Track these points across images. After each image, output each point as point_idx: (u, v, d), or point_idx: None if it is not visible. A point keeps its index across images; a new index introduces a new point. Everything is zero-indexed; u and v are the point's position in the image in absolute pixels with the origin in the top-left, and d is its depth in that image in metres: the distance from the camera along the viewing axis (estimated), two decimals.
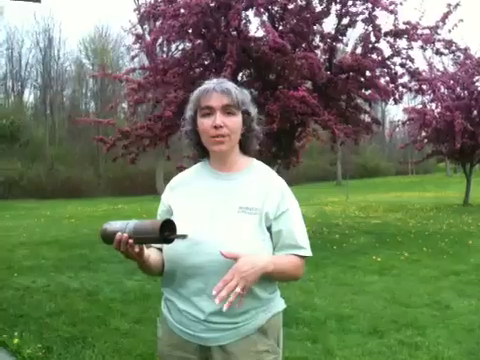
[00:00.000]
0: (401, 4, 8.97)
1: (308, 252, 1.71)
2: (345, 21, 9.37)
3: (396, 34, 9.13)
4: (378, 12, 8.94)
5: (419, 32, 9.22)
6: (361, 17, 9.14)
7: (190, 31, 8.92)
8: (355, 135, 10.17)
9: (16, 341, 3.83)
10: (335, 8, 9.19)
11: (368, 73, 9.31)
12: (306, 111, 8.48)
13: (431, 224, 12.11)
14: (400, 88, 9.85)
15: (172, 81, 9.24)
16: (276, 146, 9.77)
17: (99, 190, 31.26)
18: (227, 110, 1.64)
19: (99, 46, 40.92)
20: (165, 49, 20.19)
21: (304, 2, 8.87)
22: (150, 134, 9.92)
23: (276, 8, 9.15)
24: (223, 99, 1.63)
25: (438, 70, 16.90)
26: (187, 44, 9.81)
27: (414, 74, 9.73)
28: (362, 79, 9.45)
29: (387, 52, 9.46)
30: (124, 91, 13.06)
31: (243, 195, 1.68)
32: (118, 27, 54.96)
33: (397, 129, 22.62)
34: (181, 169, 2.01)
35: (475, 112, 16.76)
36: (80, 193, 29.21)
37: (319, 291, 5.64)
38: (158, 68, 9.50)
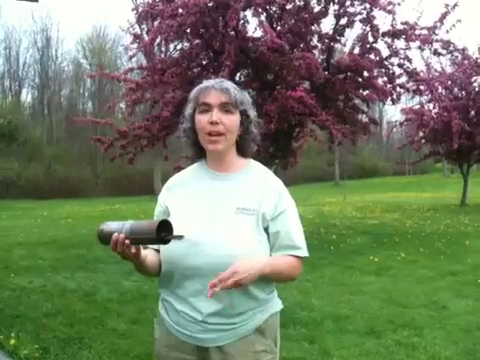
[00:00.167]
0: (399, 4, 8.99)
1: (305, 253, 1.71)
2: (343, 21, 9.37)
3: (394, 34, 9.14)
4: (376, 12, 8.95)
5: (417, 32, 9.23)
6: (359, 17, 9.15)
7: (188, 31, 8.91)
8: (353, 135, 10.18)
9: (13, 342, 3.82)
10: (333, 8, 9.20)
11: (366, 73, 9.31)
12: (304, 111, 8.48)
13: (428, 224, 12.13)
14: (398, 88, 9.86)
15: (170, 81, 9.22)
16: (274, 146, 9.77)
17: (97, 190, 31.24)
18: (225, 108, 1.64)
19: (97, 46, 40.87)
20: (163, 49, 20.22)
21: (302, 2, 8.88)
22: (148, 134, 9.91)
23: (274, 8, 9.15)
24: (221, 97, 1.63)
25: (436, 70, 16.92)
26: (185, 44, 9.80)
27: (412, 74, 9.74)
28: (360, 79, 9.46)
29: (385, 52, 9.48)
30: (122, 91, 13.04)
31: (240, 196, 1.67)
32: (116, 27, 54.95)
33: (395, 129, 22.70)
34: (179, 169, 2.00)
35: (472, 112, 16.80)
36: (78, 193, 29.18)
37: (316, 291, 5.64)
38: (156, 68, 9.49)
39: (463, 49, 11.27)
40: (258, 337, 1.68)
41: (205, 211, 1.67)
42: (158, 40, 9.54)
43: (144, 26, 11.52)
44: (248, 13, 8.88)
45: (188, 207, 1.70)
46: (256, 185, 1.70)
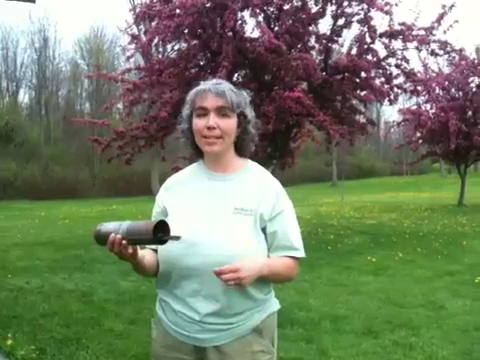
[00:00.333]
0: (396, 5, 9.01)
1: (302, 253, 1.71)
2: (340, 22, 9.39)
3: (391, 35, 9.15)
4: (373, 13, 8.97)
5: (414, 33, 9.24)
6: (356, 18, 9.16)
7: (186, 31, 8.91)
8: (350, 136, 10.19)
9: (10, 342, 3.81)
10: (330, 9, 9.21)
11: (363, 74, 9.33)
12: (301, 112, 8.49)
13: (426, 224, 12.15)
14: (395, 89, 9.87)
15: (167, 81, 9.22)
16: (272, 147, 9.78)
17: (94, 191, 31.21)
18: (221, 112, 1.63)
19: (94, 46, 40.85)
20: (161, 49, 20.19)
21: (300, 3, 8.88)
22: (145, 135, 9.91)
23: (272, 9, 9.16)
24: (218, 101, 1.63)
25: (433, 71, 16.96)
26: (183, 44, 9.81)
27: (409, 75, 9.75)
28: (357, 80, 9.47)
29: (382, 53, 9.50)
30: (119, 92, 13.04)
31: (238, 196, 1.68)
32: (114, 27, 54.97)
33: (392, 130, 22.65)
34: (176, 170, 2.00)
35: (470, 113, 16.84)
36: (75, 194, 29.13)
37: (314, 292, 5.64)
38: (154, 68, 9.49)
39: (460, 50, 11.26)
40: (256, 337, 1.68)
41: (203, 211, 1.67)
42: (156, 41, 9.53)
43: (142, 27, 11.49)
44: (246, 14, 8.91)
45: (186, 207, 1.70)
46: (254, 185, 1.70)
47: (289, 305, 4.84)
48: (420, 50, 9.81)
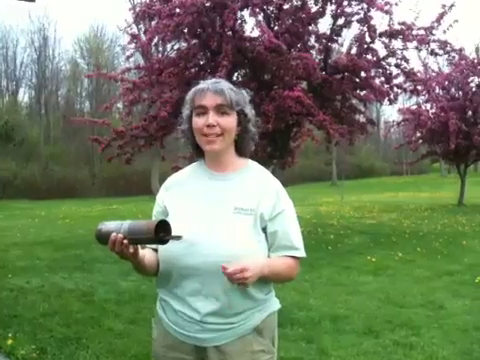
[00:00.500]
0: (396, 5, 9.01)
1: (302, 253, 1.72)
2: (340, 21, 9.39)
3: (391, 35, 9.15)
4: (373, 12, 8.97)
5: (414, 33, 9.24)
6: (356, 17, 9.16)
7: (185, 31, 8.91)
8: (350, 135, 10.19)
9: (10, 342, 3.81)
10: (330, 8, 9.21)
11: (363, 74, 9.32)
12: (301, 111, 8.49)
13: (425, 224, 12.15)
14: (395, 89, 9.87)
15: (167, 81, 9.22)
16: (271, 146, 9.78)
17: (94, 190, 31.21)
18: (220, 110, 1.64)
19: (94, 46, 40.81)
20: (160, 49, 20.21)
21: (299, 2, 8.88)
22: (145, 134, 9.90)
23: (271, 8, 9.16)
24: (216, 99, 1.63)
25: (433, 71, 16.97)
26: (182, 44, 9.80)
27: (409, 75, 9.75)
28: (357, 79, 9.47)
29: (382, 52, 9.50)
30: (119, 91, 13.04)
31: (238, 195, 1.68)
32: (113, 26, 55.04)
33: (392, 129, 22.64)
34: (176, 169, 2.00)
35: (469, 112, 16.85)
36: (75, 193, 29.13)
37: (314, 291, 5.64)
38: (153, 68, 9.49)
39: (460, 49, 11.26)
40: (256, 337, 1.69)
41: (203, 211, 1.67)
42: (155, 40, 9.54)
43: (141, 26, 11.49)
44: (245, 13, 8.91)
45: (186, 207, 1.70)
46: (254, 185, 1.70)
47: (289, 305, 4.84)
48: (420, 50, 9.82)
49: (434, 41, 9.62)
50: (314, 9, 9.11)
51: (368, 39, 9.23)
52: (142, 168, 29.90)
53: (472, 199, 18.76)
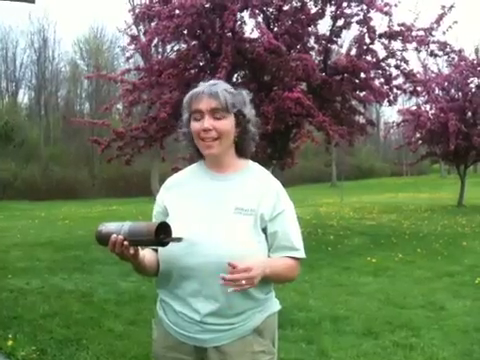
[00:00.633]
0: (396, 6, 9.00)
1: (302, 254, 1.72)
2: (340, 23, 9.38)
3: (391, 36, 9.15)
4: (373, 14, 8.97)
5: (414, 34, 9.24)
6: (356, 19, 9.16)
7: (185, 32, 8.91)
8: (349, 136, 10.18)
9: (10, 343, 3.81)
10: (330, 10, 9.21)
11: (363, 75, 9.33)
12: (301, 112, 8.49)
13: (425, 225, 12.15)
14: (394, 90, 9.87)
15: (167, 82, 9.22)
16: (271, 147, 9.78)
17: (94, 191, 31.19)
18: (216, 114, 1.64)
19: (94, 47, 40.81)
20: (160, 50, 20.21)
21: (299, 3, 8.89)
22: (145, 135, 9.91)
23: (271, 9, 9.17)
24: (211, 102, 1.63)
25: (432, 72, 16.97)
26: (182, 45, 9.81)
27: (408, 76, 9.75)
28: (357, 81, 9.47)
29: (382, 54, 9.49)
30: (119, 92, 13.05)
31: (239, 196, 1.68)
32: (113, 28, 54.91)
33: (392, 130, 22.62)
34: (176, 170, 2.01)
35: (469, 113, 16.85)
36: (75, 194, 29.12)
37: (314, 292, 5.64)
38: (153, 69, 9.49)
39: (460, 50, 11.28)
40: (256, 338, 1.69)
41: (204, 211, 1.67)
42: (155, 41, 9.56)
43: (141, 27, 11.50)
44: (245, 14, 8.91)
45: (187, 207, 1.71)
46: (255, 185, 1.70)
47: (289, 306, 4.83)
48: (419, 51, 9.82)
49: (434, 42, 9.62)
50: (314, 10, 9.11)
51: (368, 40, 9.23)
52: (142, 169, 29.89)
53: (472, 200, 18.76)
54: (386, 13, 8.85)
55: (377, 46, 9.39)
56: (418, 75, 10.92)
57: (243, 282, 1.48)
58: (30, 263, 7.47)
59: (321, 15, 9.17)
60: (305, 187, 35.69)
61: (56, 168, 32.15)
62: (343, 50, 10.22)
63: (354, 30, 9.40)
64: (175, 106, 8.46)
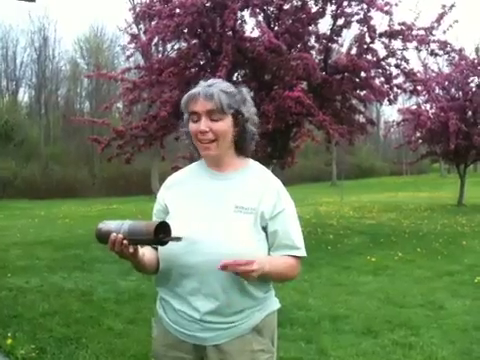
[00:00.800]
0: (396, 5, 8.99)
1: (303, 253, 1.72)
2: (340, 22, 9.37)
3: (391, 35, 9.14)
4: (373, 13, 8.96)
5: (414, 33, 9.23)
6: (356, 18, 9.15)
7: (185, 31, 8.90)
8: (350, 135, 10.18)
9: (9, 342, 3.81)
10: (330, 9, 9.20)
11: (363, 74, 9.32)
12: (301, 111, 8.49)
13: (425, 224, 12.15)
14: (395, 89, 9.86)
15: (167, 81, 9.22)
16: (271, 146, 9.77)
17: (94, 190, 31.18)
18: (212, 115, 1.63)
19: (94, 45, 40.79)
20: (160, 49, 20.20)
21: (299, 3, 8.89)
22: (145, 134, 9.90)
23: (272, 8, 9.16)
24: (206, 105, 1.62)
25: (433, 71, 16.97)
26: (182, 44, 9.80)
27: (409, 75, 9.75)
28: (357, 80, 9.47)
29: (382, 53, 9.48)
30: (119, 91, 13.04)
31: (239, 194, 1.68)
32: (113, 26, 55.00)
33: (392, 130, 22.62)
34: (176, 169, 2.01)
35: (469, 113, 16.85)
36: (75, 193, 29.12)
37: (313, 291, 5.65)
38: (153, 68, 9.48)
39: (460, 50, 11.29)
40: (255, 336, 1.69)
41: (204, 210, 1.68)
42: (155, 40, 9.54)
43: (141, 26, 11.49)
44: (245, 13, 8.90)
45: (187, 206, 1.71)
46: (255, 184, 1.71)
47: (289, 305, 4.84)
48: (420, 50, 9.80)
49: (434, 41, 9.61)
50: (314, 9, 9.11)
51: (368, 39, 9.22)
52: (142, 168, 29.89)
53: (472, 199, 18.75)
54: (386, 12, 8.84)
55: (377, 45, 9.40)
56: (418, 74, 10.90)
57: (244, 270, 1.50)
58: (30, 262, 7.48)
59: (321, 14, 9.17)
60: (305, 186, 35.67)
61: (56, 167, 32.16)
62: (343, 49, 10.23)
63: (354, 29, 9.41)
64: (175, 105, 8.45)
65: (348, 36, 10.03)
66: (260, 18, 8.86)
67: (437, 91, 16.41)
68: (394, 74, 9.78)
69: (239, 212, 1.65)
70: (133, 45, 10.20)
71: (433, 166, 45.16)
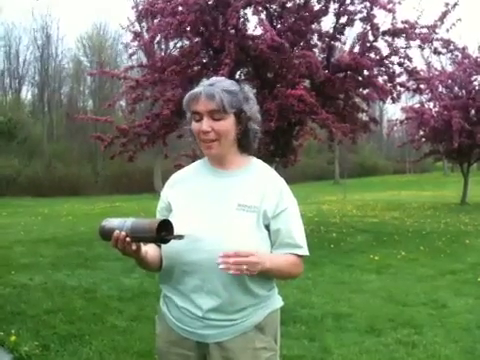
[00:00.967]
0: (400, 3, 8.97)
1: (306, 251, 1.72)
2: (343, 20, 9.34)
3: (394, 33, 9.12)
4: (376, 11, 8.93)
5: (417, 31, 9.20)
6: (359, 16, 9.12)
7: (188, 29, 8.89)
8: (352, 134, 10.17)
9: (13, 338, 3.83)
10: (333, 7, 9.17)
11: (366, 72, 9.30)
12: (304, 110, 8.48)
13: (428, 223, 12.14)
14: (398, 87, 9.83)
15: (170, 79, 9.21)
16: (274, 144, 9.77)
17: (97, 188, 31.22)
18: (214, 115, 1.63)
19: (97, 43, 40.79)
20: (163, 47, 20.16)
21: (302, 1, 8.87)
22: (148, 132, 9.91)
23: (274, 6, 9.14)
24: (208, 104, 1.62)
25: (436, 69, 16.92)
26: (185, 42, 9.79)
27: (412, 73, 9.72)
28: (360, 78, 9.44)
29: (385, 51, 9.45)
30: (122, 89, 13.03)
31: (242, 193, 1.68)
32: (116, 24, 54.67)
33: (395, 128, 22.58)
34: (179, 167, 2.01)
35: (473, 111, 16.79)
36: (78, 191, 29.16)
37: (316, 289, 5.65)
38: (156, 66, 9.48)
39: (463, 48, 11.29)
40: (258, 334, 1.69)
41: (206, 207, 1.68)
42: (158, 38, 9.53)
43: (144, 24, 11.48)
44: (248, 11, 8.88)
45: (190, 203, 1.71)
46: (258, 182, 1.71)
47: (292, 303, 4.85)
48: (423, 48, 9.77)
49: (437, 40, 9.57)
50: (317, 7, 9.09)
51: (371, 37, 9.20)
52: (145, 166, 29.92)
53: (475, 198, 18.72)
54: (390, 10, 8.81)
55: (380, 43, 9.37)
56: (421, 73, 10.86)
57: (244, 267, 1.49)
58: (33, 259, 7.50)
59: (324, 12, 9.15)
60: (308, 184, 35.65)
61: (59, 165, 32.19)
62: (346, 47, 10.19)
63: (357, 27, 9.37)
64: (178, 103, 8.45)
65: (351, 34, 10.00)
66: (263, 16, 8.83)
67: (440, 89, 16.36)
68: (397, 72, 9.75)
69: (242, 210, 1.65)
70: (136, 43, 10.18)
71: (436, 165, 44.98)
